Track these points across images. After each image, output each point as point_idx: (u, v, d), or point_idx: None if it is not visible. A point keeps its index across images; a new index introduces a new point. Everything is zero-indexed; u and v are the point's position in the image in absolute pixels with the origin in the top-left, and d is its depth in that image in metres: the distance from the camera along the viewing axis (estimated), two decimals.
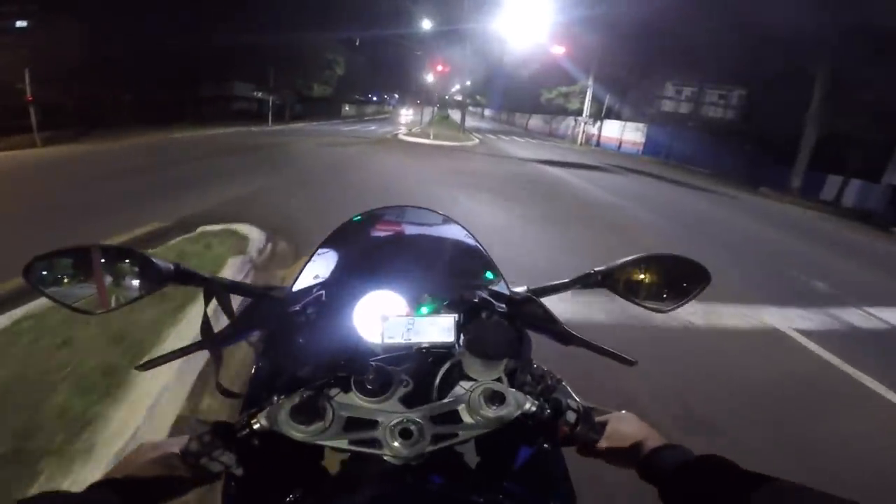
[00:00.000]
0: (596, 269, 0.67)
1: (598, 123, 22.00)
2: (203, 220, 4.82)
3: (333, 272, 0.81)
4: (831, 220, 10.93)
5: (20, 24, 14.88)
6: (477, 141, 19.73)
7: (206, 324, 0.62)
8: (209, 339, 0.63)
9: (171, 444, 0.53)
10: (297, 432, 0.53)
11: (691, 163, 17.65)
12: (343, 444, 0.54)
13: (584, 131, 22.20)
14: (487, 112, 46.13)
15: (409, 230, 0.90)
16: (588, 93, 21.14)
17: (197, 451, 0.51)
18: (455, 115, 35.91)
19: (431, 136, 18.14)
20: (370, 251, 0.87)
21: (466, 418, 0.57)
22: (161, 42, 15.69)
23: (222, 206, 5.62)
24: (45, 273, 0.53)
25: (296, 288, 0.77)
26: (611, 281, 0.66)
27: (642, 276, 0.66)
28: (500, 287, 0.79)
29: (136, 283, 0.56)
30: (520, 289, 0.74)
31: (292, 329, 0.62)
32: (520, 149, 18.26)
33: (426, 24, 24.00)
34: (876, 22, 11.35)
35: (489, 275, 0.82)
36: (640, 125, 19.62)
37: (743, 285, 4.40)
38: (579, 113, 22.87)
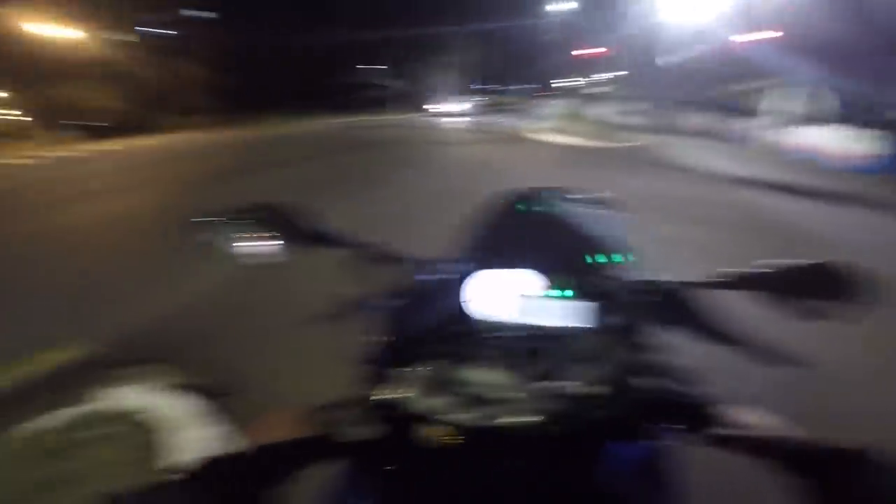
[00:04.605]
0: (756, 266, 0.64)
1: (797, 128, 16.38)
2: None
3: (471, 247, 0.78)
4: None
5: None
6: (639, 143, 15.66)
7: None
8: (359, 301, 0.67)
9: (297, 415, 0.53)
10: (424, 406, 0.53)
11: None
12: (467, 420, 0.54)
13: (781, 136, 16.78)
14: (629, 107, 40.21)
15: (558, 210, 0.82)
16: (803, 89, 15.56)
17: (325, 421, 0.51)
18: (590, 108, 31.64)
19: (582, 135, 14.68)
20: (513, 228, 0.81)
21: (594, 400, 0.55)
22: (301, 37, 16.10)
23: None
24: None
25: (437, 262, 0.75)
26: (770, 285, 0.62)
27: (807, 284, 0.61)
28: (641, 275, 0.73)
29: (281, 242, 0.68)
30: (665, 279, 0.69)
31: (424, 302, 0.65)
32: (705, 156, 13.02)
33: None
34: None
35: (632, 261, 0.74)
36: (876, 132, 13.85)
37: None
38: (769, 112, 17.33)
